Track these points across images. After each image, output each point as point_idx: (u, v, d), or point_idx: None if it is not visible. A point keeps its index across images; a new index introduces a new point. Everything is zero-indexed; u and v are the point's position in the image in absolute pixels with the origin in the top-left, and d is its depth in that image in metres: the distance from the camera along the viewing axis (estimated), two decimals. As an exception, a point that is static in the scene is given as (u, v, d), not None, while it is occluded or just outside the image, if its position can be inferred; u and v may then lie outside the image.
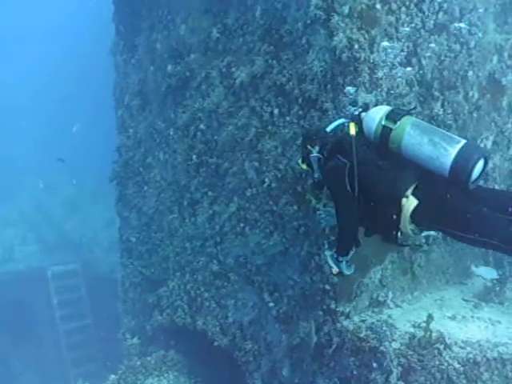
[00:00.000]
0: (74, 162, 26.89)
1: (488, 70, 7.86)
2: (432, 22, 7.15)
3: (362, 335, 7.24)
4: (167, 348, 11.23)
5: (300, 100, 7.42)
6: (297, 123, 7.50)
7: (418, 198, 4.54)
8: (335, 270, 5.29)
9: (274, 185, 7.94)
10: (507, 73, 7.99)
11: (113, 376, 10.82)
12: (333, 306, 7.46)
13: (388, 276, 7.69)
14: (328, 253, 5.31)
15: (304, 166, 5.48)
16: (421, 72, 7.21)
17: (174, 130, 9.95)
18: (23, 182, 27.50)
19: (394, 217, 4.57)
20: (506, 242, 4.27)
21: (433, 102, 7.37)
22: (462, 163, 4.28)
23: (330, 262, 5.26)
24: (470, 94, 7.71)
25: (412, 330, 7.15)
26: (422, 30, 7.10)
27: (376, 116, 4.80)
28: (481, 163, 4.38)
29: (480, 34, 7.60)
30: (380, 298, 7.73)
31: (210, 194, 9.27)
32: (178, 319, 10.42)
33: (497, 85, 7.96)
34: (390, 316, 7.55)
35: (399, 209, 4.55)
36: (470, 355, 6.66)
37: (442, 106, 7.45)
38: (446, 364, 6.65)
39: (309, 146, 5.32)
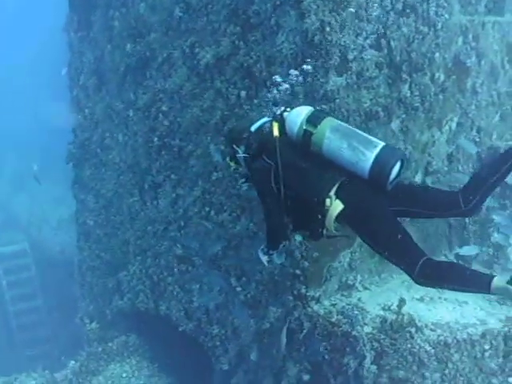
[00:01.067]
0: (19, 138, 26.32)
1: (453, 51, 7.84)
2: (401, 3, 7.06)
3: (333, 320, 7.23)
4: (128, 333, 11.06)
5: (269, 83, 7.26)
6: (265, 106, 7.34)
7: (341, 199, 4.59)
8: (265, 261, 5.26)
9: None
10: (471, 54, 8.01)
11: (73, 362, 10.60)
12: (303, 290, 7.41)
13: (357, 259, 7.69)
14: (259, 248, 5.29)
15: (232, 164, 5.36)
16: (390, 54, 7.14)
17: (134, 111, 9.67)
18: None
19: (320, 216, 4.61)
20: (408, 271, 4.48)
21: (401, 84, 7.31)
22: (380, 167, 4.39)
23: (261, 256, 5.24)
24: (437, 75, 7.68)
25: (382, 313, 7.19)
26: (392, 12, 7.01)
27: (297, 119, 4.76)
28: (398, 166, 4.49)
29: (446, 16, 7.56)
30: (349, 282, 7.74)
31: (172, 177, 9.08)
32: (139, 304, 10.26)
33: (461, 66, 7.96)
34: (359, 299, 7.58)
35: (324, 209, 4.59)
36: (441, 337, 6.76)
37: (410, 88, 7.41)
38: (417, 347, 6.72)
39: (234, 146, 5.23)
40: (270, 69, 7.16)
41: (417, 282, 4.52)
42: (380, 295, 7.67)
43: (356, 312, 7.15)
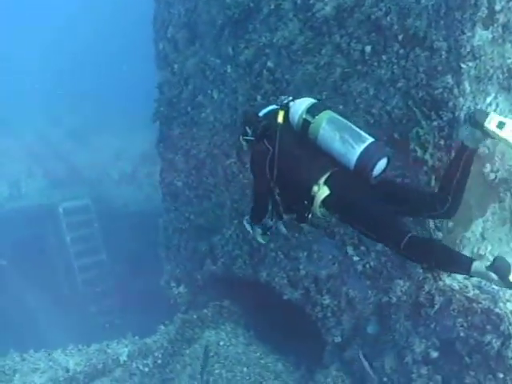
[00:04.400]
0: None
1: None
2: None
3: (470, 295, 6.78)
4: (219, 298, 10.67)
5: (401, 37, 6.63)
6: (396, 63, 6.72)
7: (329, 187, 4.89)
8: (251, 232, 5.71)
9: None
10: None
11: (162, 327, 10.25)
12: (435, 263, 6.88)
13: (488, 228, 7.13)
14: (245, 217, 5.75)
15: (244, 143, 5.71)
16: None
17: (233, 67, 9.06)
18: (22, 114, 26.35)
19: (306, 202, 4.96)
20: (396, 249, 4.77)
21: (545, 37, 6.60)
22: (365, 161, 4.73)
23: (246, 225, 5.69)
24: None
25: (522, 287, 6.65)
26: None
27: (299, 108, 5.12)
28: (383, 162, 4.82)
29: None
30: (480, 252, 7.18)
31: (277, 137, 8.50)
32: (237, 270, 9.83)
33: None
34: (493, 272, 7.03)
35: (311, 195, 4.91)
36: None
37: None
38: None
39: (247, 127, 5.59)
40: (405, 22, 6.50)
41: (400, 256, 5.00)
42: (513, 267, 7.13)
43: (495, 287, 6.62)
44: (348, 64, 7.27)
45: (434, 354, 7.18)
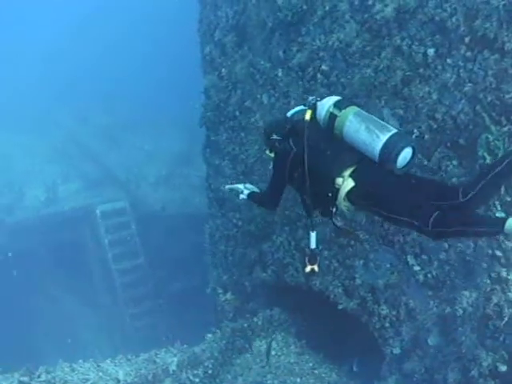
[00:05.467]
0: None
1: None
2: None
3: (541, 307, 6.46)
4: (268, 305, 10.45)
5: (467, 39, 6.36)
6: (463, 66, 6.46)
7: (355, 180, 4.90)
8: (241, 196, 5.86)
9: (426, 136, 6.96)
10: None
11: (209, 335, 10.05)
12: (504, 273, 6.64)
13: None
14: (245, 192, 5.83)
15: (272, 155, 5.68)
16: None
17: (285, 71, 8.84)
18: (54, 116, 26.39)
19: (330, 194, 4.98)
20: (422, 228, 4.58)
21: None
22: (389, 150, 4.70)
23: (242, 194, 5.80)
24: None
25: None
26: None
27: (326, 104, 5.18)
28: (408, 151, 4.77)
29: None
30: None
31: (334, 143, 8.29)
32: (288, 278, 9.61)
33: None
34: None
35: (335, 187, 4.95)
36: None
37: None
38: None
39: (274, 135, 5.63)
40: (473, 23, 6.23)
41: (432, 236, 4.67)
42: None
43: None
44: (409, 67, 7.03)
45: (503, 368, 6.91)
